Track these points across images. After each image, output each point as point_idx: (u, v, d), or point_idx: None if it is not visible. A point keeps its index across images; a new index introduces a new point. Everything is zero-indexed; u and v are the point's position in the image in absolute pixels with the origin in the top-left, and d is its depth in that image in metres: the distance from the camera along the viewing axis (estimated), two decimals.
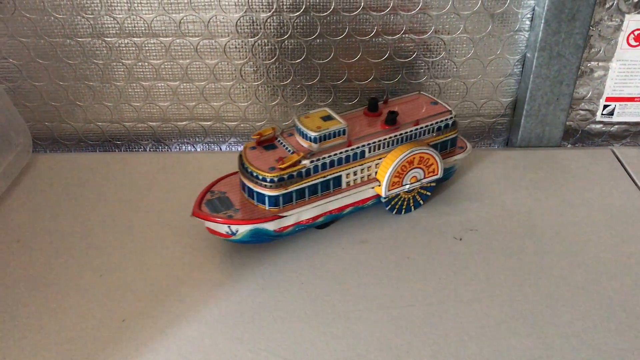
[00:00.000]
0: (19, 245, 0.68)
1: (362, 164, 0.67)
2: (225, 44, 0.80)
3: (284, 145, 0.66)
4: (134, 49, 0.81)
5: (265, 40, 0.80)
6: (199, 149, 0.90)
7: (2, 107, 0.79)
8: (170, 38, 0.80)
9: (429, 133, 0.70)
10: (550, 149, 0.86)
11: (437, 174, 0.71)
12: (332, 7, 0.77)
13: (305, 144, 0.65)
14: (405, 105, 0.73)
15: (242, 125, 0.87)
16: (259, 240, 0.65)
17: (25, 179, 0.79)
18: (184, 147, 0.90)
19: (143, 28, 0.79)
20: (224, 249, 0.67)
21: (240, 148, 0.88)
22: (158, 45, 0.81)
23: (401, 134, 0.68)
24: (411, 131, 0.69)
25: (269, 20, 0.78)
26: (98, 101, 0.85)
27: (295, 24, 0.79)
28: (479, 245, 0.67)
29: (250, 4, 0.77)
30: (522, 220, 0.71)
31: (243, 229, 0.63)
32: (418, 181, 0.70)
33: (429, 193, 0.72)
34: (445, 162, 0.72)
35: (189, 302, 0.60)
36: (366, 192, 0.68)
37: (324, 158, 0.64)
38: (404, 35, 0.80)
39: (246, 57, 0.81)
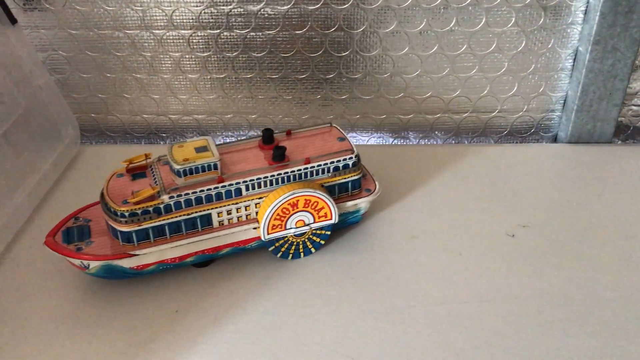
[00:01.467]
0: None
1: (237, 203, 0.60)
2: (275, 36, 0.80)
3: (154, 176, 0.60)
4: (181, 41, 0.81)
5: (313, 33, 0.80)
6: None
7: (52, 99, 0.79)
8: (218, 31, 0.80)
9: (323, 173, 0.63)
10: (600, 145, 0.84)
11: (330, 219, 0.63)
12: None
13: (172, 176, 0.59)
14: (308, 139, 0.66)
15: (286, 118, 0.87)
16: (117, 277, 0.59)
17: (73, 170, 0.80)
18: (227, 139, 0.90)
19: (191, 20, 0.79)
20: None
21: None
22: (205, 38, 0.81)
23: (287, 173, 0.61)
24: (299, 170, 0.61)
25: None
26: (145, 93, 0.85)
27: None
28: (532, 241, 0.66)
29: None
30: (573, 217, 0.70)
31: (95, 264, 0.57)
32: (306, 225, 0.62)
33: (322, 242, 0.64)
34: (342, 206, 0.64)
35: (241, 293, 0.60)
36: (247, 233, 0.61)
37: (187, 194, 0.58)
38: (454, 28, 0.79)
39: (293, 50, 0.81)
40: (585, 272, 0.62)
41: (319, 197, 0.61)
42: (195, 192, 0.58)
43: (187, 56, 0.82)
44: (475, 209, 0.71)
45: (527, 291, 0.60)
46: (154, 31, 0.80)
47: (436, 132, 0.88)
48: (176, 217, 0.58)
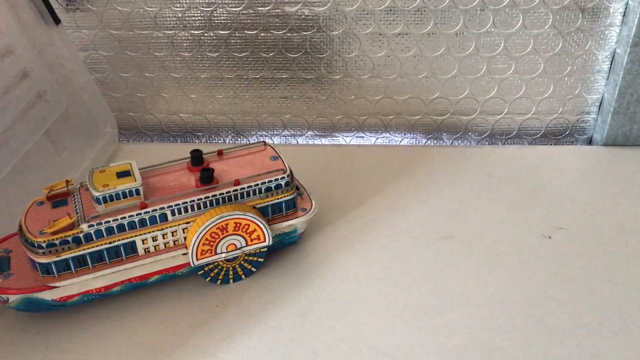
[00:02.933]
0: None
1: (163, 229, 0.57)
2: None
3: (75, 203, 0.57)
4: (218, 41, 0.82)
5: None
6: (276, 142, 0.91)
7: (92, 97, 0.81)
8: (255, 31, 0.81)
9: (254, 194, 0.60)
10: (637, 148, 0.83)
11: (264, 241, 0.61)
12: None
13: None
14: (240, 159, 0.64)
15: (319, 119, 0.88)
16: (40, 310, 0.56)
17: None
18: (262, 139, 0.91)
19: (229, 21, 0.80)
20: (315, 242, 0.67)
21: (317, 142, 0.89)
22: (242, 38, 0.82)
23: (215, 196, 0.58)
24: (229, 192, 0.59)
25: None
26: (182, 93, 0.87)
27: None
28: (569, 243, 0.66)
29: None
30: (610, 220, 0.69)
31: (14, 298, 0.54)
32: (238, 249, 0.60)
33: (254, 269, 0.63)
34: (277, 227, 0.62)
35: (279, 290, 0.61)
36: (175, 259, 0.59)
37: (108, 222, 0.55)
38: (489, 30, 0.79)
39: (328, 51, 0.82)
40: (622, 275, 0.61)
41: (249, 220, 0.58)
42: (117, 220, 0.55)
43: (224, 56, 0.83)
44: (511, 211, 0.71)
45: (563, 293, 0.60)
46: (192, 31, 0.82)
47: (470, 134, 0.88)
48: (97, 246, 0.55)
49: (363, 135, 0.90)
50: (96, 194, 0.54)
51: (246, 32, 0.81)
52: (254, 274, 0.63)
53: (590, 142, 0.88)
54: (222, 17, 0.80)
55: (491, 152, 0.83)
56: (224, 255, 0.59)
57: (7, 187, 0.64)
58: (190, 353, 0.54)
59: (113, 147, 0.85)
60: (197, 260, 0.58)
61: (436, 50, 0.81)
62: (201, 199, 0.58)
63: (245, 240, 0.60)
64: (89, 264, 0.56)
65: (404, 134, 0.89)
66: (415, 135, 0.89)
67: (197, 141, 0.91)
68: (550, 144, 0.88)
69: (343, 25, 0.80)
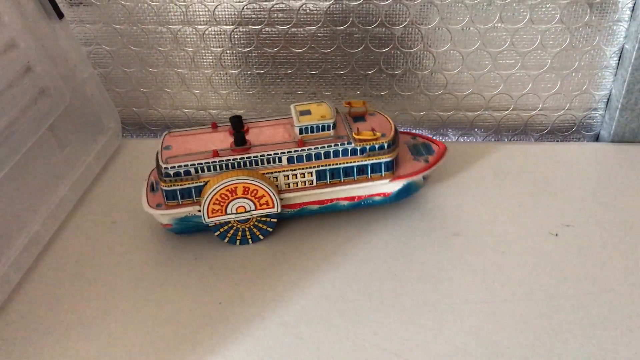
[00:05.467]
0: (115, 227, 0.69)
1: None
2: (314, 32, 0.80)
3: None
4: (223, 36, 0.81)
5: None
6: None
7: (95, 92, 0.81)
8: (259, 26, 0.80)
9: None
10: None
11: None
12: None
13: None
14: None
15: None
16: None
17: (114, 162, 0.81)
18: None
19: (234, 16, 0.80)
20: (318, 235, 0.67)
21: None
22: (246, 33, 0.81)
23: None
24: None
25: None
26: (186, 88, 0.86)
27: None
28: (576, 241, 0.65)
29: None
30: (617, 217, 0.68)
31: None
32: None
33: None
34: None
35: (282, 287, 0.60)
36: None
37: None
38: (496, 25, 0.78)
39: (333, 46, 0.81)
40: (630, 273, 0.61)
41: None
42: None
43: (228, 51, 0.83)
44: (517, 207, 0.70)
45: (571, 290, 0.59)
46: (196, 26, 0.81)
47: (476, 130, 0.88)
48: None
49: None
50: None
51: (250, 26, 0.81)
52: (258, 272, 0.62)
53: (597, 138, 0.87)
54: (226, 12, 0.80)
55: (497, 148, 0.82)
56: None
57: (10, 182, 0.63)
58: (195, 350, 0.54)
59: (117, 143, 0.85)
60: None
61: (442, 45, 0.80)
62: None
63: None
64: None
65: (410, 130, 0.88)
66: (420, 131, 0.88)
67: None
68: (557, 141, 0.88)
69: (349, 20, 0.79)
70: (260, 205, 0.64)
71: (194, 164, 0.61)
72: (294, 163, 0.63)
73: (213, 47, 0.83)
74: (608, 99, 0.83)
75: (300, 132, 0.63)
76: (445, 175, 0.76)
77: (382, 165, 0.65)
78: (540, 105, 0.85)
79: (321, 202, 0.67)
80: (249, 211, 0.64)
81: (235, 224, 0.65)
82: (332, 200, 0.67)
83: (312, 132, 0.64)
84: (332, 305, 0.58)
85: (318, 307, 0.58)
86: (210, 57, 0.83)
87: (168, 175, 0.61)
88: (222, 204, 0.62)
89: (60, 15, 0.74)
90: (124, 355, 0.54)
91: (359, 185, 0.65)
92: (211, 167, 0.62)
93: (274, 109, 0.87)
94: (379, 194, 0.67)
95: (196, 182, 0.62)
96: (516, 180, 0.75)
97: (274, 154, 0.63)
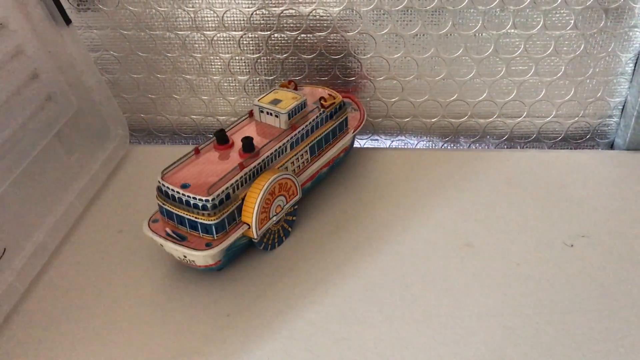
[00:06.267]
0: (122, 236, 0.68)
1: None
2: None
3: None
4: (232, 42, 0.81)
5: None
6: None
7: (103, 99, 0.80)
8: (269, 32, 0.79)
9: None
10: None
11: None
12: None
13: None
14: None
15: None
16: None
17: (122, 169, 0.81)
18: None
19: (242, 22, 0.79)
20: (328, 245, 0.66)
21: None
22: (255, 39, 0.80)
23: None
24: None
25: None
26: (194, 94, 0.85)
27: None
28: (592, 252, 0.64)
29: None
30: (634, 226, 0.67)
31: None
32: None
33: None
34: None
35: (291, 299, 0.59)
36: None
37: None
38: (509, 31, 0.77)
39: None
40: None
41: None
42: None
43: (237, 58, 0.82)
44: (531, 217, 0.69)
45: (588, 304, 0.57)
46: (204, 32, 0.80)
47: (488, 137, 0.86)
48: None
49: (378, 138, 0.88)
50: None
51: (259, 32, 0.80)
52: (266, 283, 0.61)
53: (612, 146, 0.86)
54: (235, 18, 0.79)
55: (510, 156, 0.80)
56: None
57: (16, 190, 0.63)
58: None
59: (124, 149, 0.84)
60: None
61: (454, 51, 0.79)
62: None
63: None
64: None
65: (420, 137, 0.87)
66: (431, 138, 0.87)
67: None
68: (571, 148, 0.86)
69: (358, 26, 0.78)
70: (289, 196, 0.65)
71: (232, 184, 0.60)
72: (294, 147, 0.66)
73: (222, 53, 0.82)
74: (623, 106, 0.82)
75: (289, 117, 0.66)
76: (457, 183, 0.75)
77: (344, 122, 0.72)
78: (554, 112, 0.83)
79: (311, 178, 0.70)
80: (283, 207, 0.64)
81: (272, 228, 0.65)
82: (318, 172, 0.70)
83: (295, 114, 0.67)
84: (342, 317, 0.57)
85: (327, 320, 0.57)
86: (219, 63, 0.82)
87: (215, 206, 0.59)
88: (266, 210, 0.62)
89: (67, 21, 0.74)
90: None
91: (335, 147, 0.71)
92: (244, 181, 0.61)
93: None
94: (343, 150, 0.74)
95: (237, 203, 0.60)
96: (529, 189, 0.74)
97: (282, 145, 0.64)
